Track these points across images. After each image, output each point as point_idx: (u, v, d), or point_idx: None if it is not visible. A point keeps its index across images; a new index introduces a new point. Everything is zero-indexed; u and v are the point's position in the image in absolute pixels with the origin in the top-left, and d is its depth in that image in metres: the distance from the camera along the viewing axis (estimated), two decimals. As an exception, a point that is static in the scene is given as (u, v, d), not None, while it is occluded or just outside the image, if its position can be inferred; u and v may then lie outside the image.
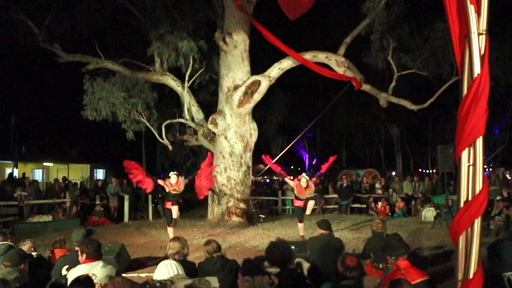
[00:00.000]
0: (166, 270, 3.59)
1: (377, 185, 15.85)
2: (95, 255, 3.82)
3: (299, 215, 9.21)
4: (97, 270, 3.68)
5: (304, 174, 9.44)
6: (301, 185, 9.02)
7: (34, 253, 5.25)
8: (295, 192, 9.19)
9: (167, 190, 8.99)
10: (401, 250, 3.69)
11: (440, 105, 17.91)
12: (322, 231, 5.56)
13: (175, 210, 8.99)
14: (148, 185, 8.90)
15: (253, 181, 13.99)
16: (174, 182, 8.97)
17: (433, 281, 3.55)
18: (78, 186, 15.72)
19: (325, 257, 5.06)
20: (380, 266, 5.38)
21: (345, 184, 15.45)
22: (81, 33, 13.71)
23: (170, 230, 9.07)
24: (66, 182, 16.12)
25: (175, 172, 9.29)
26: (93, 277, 3.54)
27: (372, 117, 26.35)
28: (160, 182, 9.09)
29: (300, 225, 9.19)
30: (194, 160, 24.02)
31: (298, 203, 9.21)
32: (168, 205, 9.02)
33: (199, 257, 5.17)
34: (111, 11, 13.52)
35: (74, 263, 4.01)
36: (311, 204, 9.17)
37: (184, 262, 4.29)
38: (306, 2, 9.22)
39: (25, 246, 5.22)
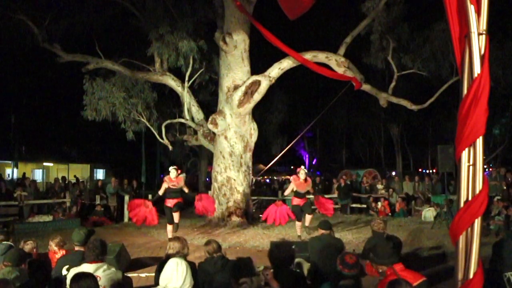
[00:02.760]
0: (175, 268, 3.54)
1: (379, 186, 15.83)
2: (100, 257, 3.77)
3: (298, 214, 9.16)
4: (101, 273, 3.63)
5: (302, 167, 9.38)
6: (300, 177, 9.04)
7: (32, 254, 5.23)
8: (294, 188, 9.15)
9: (167, 186, 8.92)
10: (394, 258, 3.58)
11: (440, 105, 17.90)
12: (323, 231, 5.57)
13: (176, 216, 8.94)
14: (153, 217, 8.92)
15: (253, 181, 13.98)
16: (174, 176, 8.94)
17: (430, 282, 3.51)
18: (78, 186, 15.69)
19: (326, 257, 5.06)
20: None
21: (343, 184, 15.45)
22: (81, 33, 13.70)
23: (169, 228, 9.03)
24: (66, 182, 16.11)
25: (175, 167, 9.23)
26: (97, 279, 3.52)
27: (372, 117, 26.36)
28: (161, 191, 9.04)
29: (298, 223, 9.17)
30: (194, 160, 24.01)
31: (296, 201, 9.15)
32: (168, 202, 8.95)
33: (199, 257, 5.17)
34: (111, 11, 13.51)
35: (74, 263, 3.99)
36: (308, 217, 9.09)
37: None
38: (306, 2, 9.21)
39: (28, 246, 5.21)
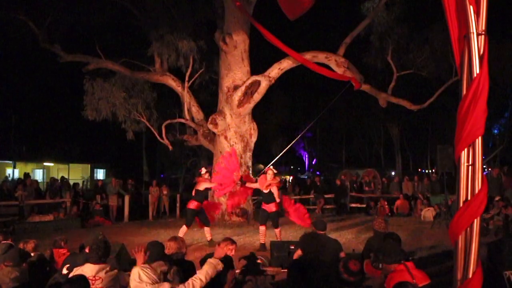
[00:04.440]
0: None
1: (376, 185, 15.85)
2: (103, 258, 3.75)
3: (261, 218, 8.39)
4: (103, 274, 3.59)
5: (271, 166, 8.52)
6: (266, 177, 8.20)
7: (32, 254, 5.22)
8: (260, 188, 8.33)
9: (207, 187, 8.41)
10: (399, 256, 3.47)
11: (440, 105, 17.94)
12: (319, 232, 5.46)
13: (208, 231, 8.50)
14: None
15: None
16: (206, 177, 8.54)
17: (433, 286, 3.45)
18: (78, 187, 15.66)
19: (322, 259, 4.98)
20: (380, 266, 5.35)
21: (338, 184, 15.45)
22: (81, 33, 13.74)
23: (184, 229, 8.39)
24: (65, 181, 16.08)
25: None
26: (98, 281, 3.51)
27: (372, 117, 26.41)
28: (206, 185, 8.46)
29: (262, 228, 8.32)
30: (194, 160, 24.05)
31: (263, 206, 8.40)
32: (193, 205, 8.39)
33: (199, 257, 5.17)
34: (111, 11, 13.53)
35: (80, 263, 3.96)
36: (277, 232, 8.30)
37: (182, 262, 4.29)
38: (306, 3, 9.22)
39: (30, 246, 5.22)
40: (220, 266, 3.55)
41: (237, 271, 4.03)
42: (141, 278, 3.37)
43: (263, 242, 8.10)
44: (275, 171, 8.27)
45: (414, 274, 3.29)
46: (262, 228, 8.26)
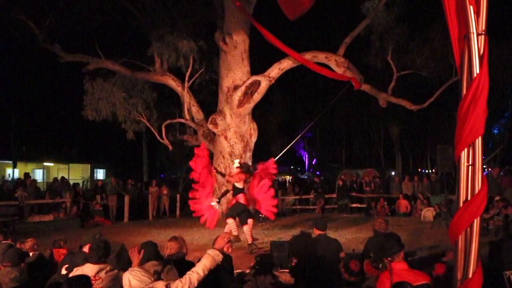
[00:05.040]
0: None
1: (376, 185, 15.84)
2: (103, 259, 3.73)
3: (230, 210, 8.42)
4: (103, 274, 3.59)
5: (236, 160, 8.54)
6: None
7: (30, 253, 5.22)
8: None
9: None
10: (395, 248, 3.47)
11: (440, 105, 17.94)
12: (319, 232, 5.43)
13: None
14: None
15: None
16: None
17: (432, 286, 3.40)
18: (78, 187, 15.65)
19: (323, 259, 4.98)
20: (380, 266, 5.35)
21: (341, 184, 15.45)
22: (81, 33, 13.74)
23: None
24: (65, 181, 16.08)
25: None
26: (98, 281, 3.50)
27: (372, 117, 26.40)
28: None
29: (229, 221, 8.40)
30: (194, 160, 24.05)
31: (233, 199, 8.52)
32: (241, 200, 8.37)
33: (199, 257, 5.18)
34: (111, 11, 13.54)
35: (79, 263, 3.96)
36: (246, 230, 8.17)
37: (182, 262, 4.28)
38: (306, 3, 9.23)
39: (28, 244, 5.22)
40: (220, 258, 3.51)
41: (247, 270, 4.01)
42: (132, 284, 3.30)
43: (235, 234, 8.09)
44: (237, 164, 8.33)
45: (402, 274, 3.23)
46: (229, 220, 8.29)
